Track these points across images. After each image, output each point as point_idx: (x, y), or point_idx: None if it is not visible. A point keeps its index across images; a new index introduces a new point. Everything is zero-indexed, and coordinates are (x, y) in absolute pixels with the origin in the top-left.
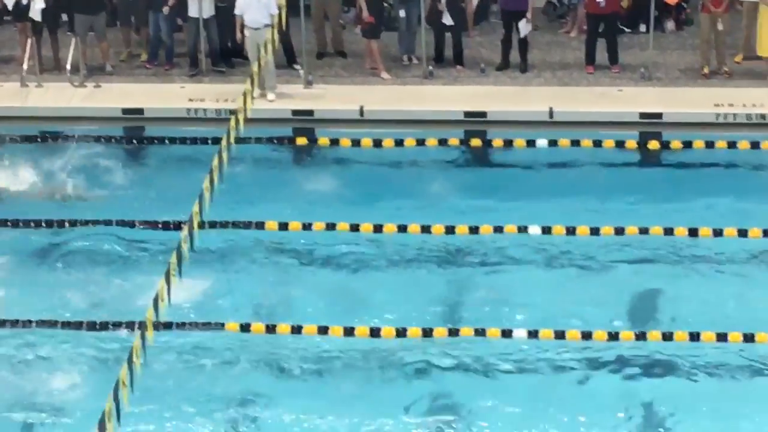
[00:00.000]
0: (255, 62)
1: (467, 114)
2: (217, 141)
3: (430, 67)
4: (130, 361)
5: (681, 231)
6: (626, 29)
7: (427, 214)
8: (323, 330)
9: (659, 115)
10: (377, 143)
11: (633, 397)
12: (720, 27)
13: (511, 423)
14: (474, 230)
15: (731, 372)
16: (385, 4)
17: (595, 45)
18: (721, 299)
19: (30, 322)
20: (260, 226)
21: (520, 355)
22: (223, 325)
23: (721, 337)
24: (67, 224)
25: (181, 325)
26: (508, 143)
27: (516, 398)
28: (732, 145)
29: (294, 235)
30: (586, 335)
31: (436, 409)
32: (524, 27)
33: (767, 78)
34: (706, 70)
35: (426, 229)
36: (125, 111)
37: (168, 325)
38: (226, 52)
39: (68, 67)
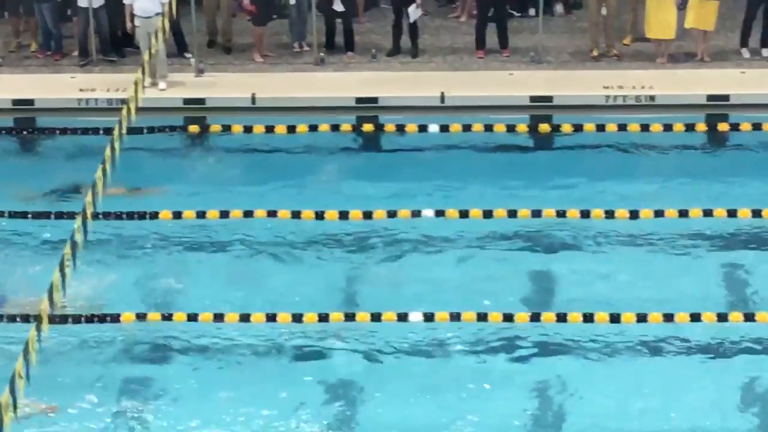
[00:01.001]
0: (146, 51)
1: (359, 100)
2: (109, 131)
3: (322, 54)
4: (26, 353)
5: (573, 213)
6: (515, 13)
7: (321, 200)
8: (219, 317)
9: (550, 98)
10: (269, 130)
11: (528, 377)
12: (604, 11)
13: (407, 406)
14: (368, 215)
15: (625, 352)
16: None
17: (485, 29)
18: (614, 281)
19: None
20: (154, 216)
21: (415, 338)
22: (119, 315)
23: (615, 318)
24: None
25: (77, 317)
26: (400, 129)
27: (411, 382)
28: (622, 127)
29: (188, 224)
30: (482, 317)
31: (333, 394)
32: (414, 12)
33: (655, 59)
34: (595, 53)
35: (320, 216)
36: (15, 102)
37: (64, 318)
38: (116, 42)
39: None
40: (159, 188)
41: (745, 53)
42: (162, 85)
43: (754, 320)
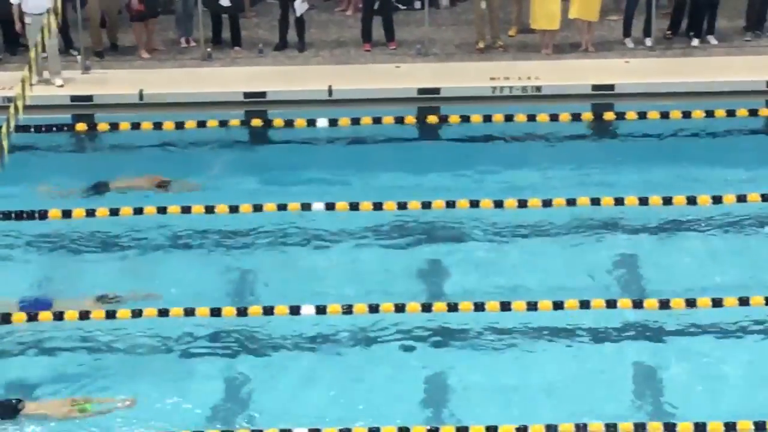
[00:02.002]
0: (33, 48)
1: (247, 95)
2: None
3: (209, 50)
4: None
5: (462, 203)
6: (401, 6)
7: (211, 195)
8: (111, 314)
9: (437, 90)
10: (157, 126)
11: (421, 366)
12: (483, 5)
13: (299, 396)
14: (258, 209)
15: (518, 340)
16: None
17: (371, 22)
18: (504, 269)
19: None
20: (43, 215)
21: (308, 330)
22: (9, 315)
23: (505, 306)
24: None
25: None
26: (289, 123)
27: (301, 373)
28: (509, 118)
29: (77, 223)
30: (374, 308)
31: (224, 387)
32: (300, 6)
33: (541, 50)
34: (481, 45)
35: (210, 210)
36: None
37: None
38: (4, 40)
39: None
40: (193, 183)
41: (629, 43)
42: (58, 81)
43: (642, 307)
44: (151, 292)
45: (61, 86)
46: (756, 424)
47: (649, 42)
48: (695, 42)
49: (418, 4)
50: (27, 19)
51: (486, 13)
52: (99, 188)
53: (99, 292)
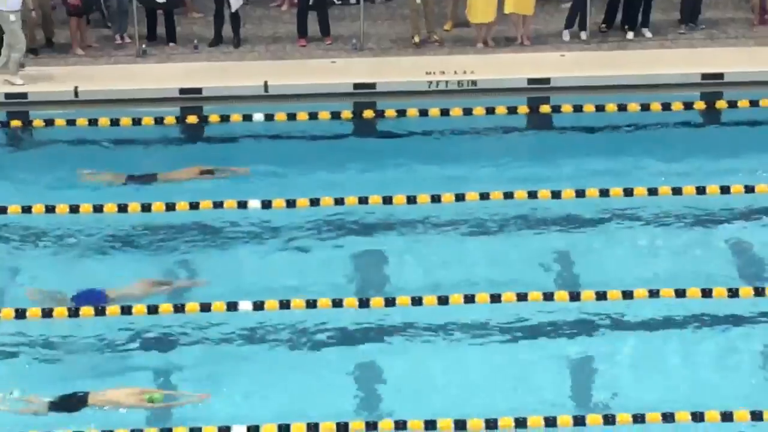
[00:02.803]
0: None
1: (182, 91)
2: None
3: (144, 46)
4: None
5: (400, 199)
6: (336, 1)
7: (144, 192)
8: (47, 313)
9: (373, 85)
10: (93, 123)
11: (353, 360)
12: (418, 0)
13: (240, 395)
14: (194, 206)
15: (437, 334)
16: None
17: (306, 17)
18: (438, 263)
19: None
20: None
21: (251, 326)
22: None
23: (443, 301)
24: None
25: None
26: (225, 118)
27: (244, 367)
28: (445, 112)
29: (13, 219)
30: (311, 303)
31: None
32: (235, 2)
33: (476, 44)
34: (416, 39)
35: (146, 208)
36: None
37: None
38: None
39: None
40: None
41: (565, 36)
42: (18, 80)
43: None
44: (197, 280)
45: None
46: (693, 414)
47: (584, 35)
48: (630, 35)
49: None
50: None
51: (421, 8)
52: (148, 179)
53: (149, 279)
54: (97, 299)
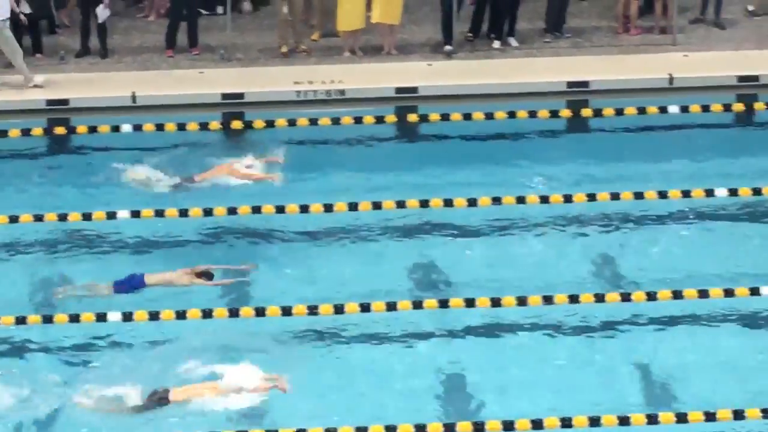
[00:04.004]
0: None
1: (49, 102)
2: None
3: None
4: None
5: (268, 209)
6: (204, 11)
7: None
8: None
9: (241, 95)
10: None
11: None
12: (285, 9)
13: None
14: (62, 218)
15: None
16: None
17: (176, 28)
18: (311, 272)
19: None
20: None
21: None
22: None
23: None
24: None
25: None
26: (92, 129)
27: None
28: (314, 121)
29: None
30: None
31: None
32: (102, 12)
33: (344, 54)
34: (284, 49)
35: (14, 219)
36: None
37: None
38: None
39: None
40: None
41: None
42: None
43: (447, 306)
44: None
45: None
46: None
47: (451, 45)
48: (497, 44)
49: (220, 10)
50: None
51: (289, 18)
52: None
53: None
54: (136, 285)
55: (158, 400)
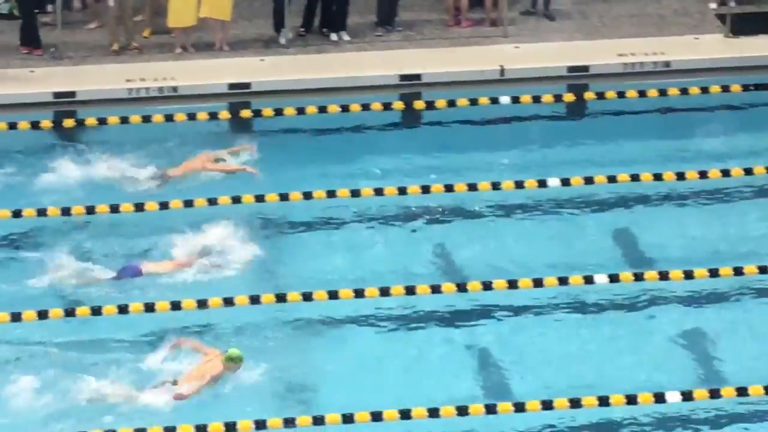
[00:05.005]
0: None
1: None
2: None
3: None
4: None
5: (103, 208)
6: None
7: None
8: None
9: (72, 94)
10: None
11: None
12: (111, 2)
13: None
14: None
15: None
16: None
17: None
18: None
19: None
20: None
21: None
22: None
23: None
24: None
25: None
26: None
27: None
28: (147, 119)
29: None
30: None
31: None
32: None
33: (176, 50)
34: (116, 47)
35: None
36: None
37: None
38: None
39: None
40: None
41: (282, 38)
42: None
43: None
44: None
45: None
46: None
47: (283, 40)
48: (334, 37)
49: (50, 7)
50: None
51: (119, 15)
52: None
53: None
54: (133, 272)
55: None
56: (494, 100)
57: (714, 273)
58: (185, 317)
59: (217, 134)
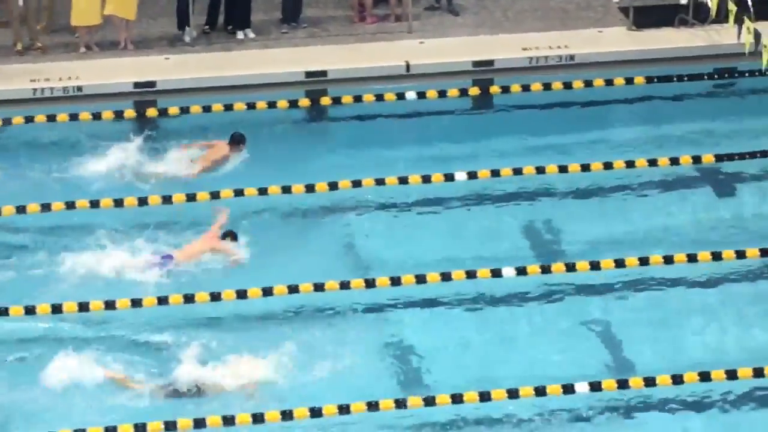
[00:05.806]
0: None
1: None
2: None
3: None
4: None
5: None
6: None
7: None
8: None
9: None
10: None
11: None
12: (21, 2)
13: None
14: None
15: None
16: None
17: None
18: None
19: None
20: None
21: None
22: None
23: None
24: None
25: None
26: None
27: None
28: (52, 118)
29: None
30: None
31: None
32: None
33: (80, 49)
34: (19, 47)
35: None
36: None
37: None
38: None
39: None
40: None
41: (186, 36)
42: None
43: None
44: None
45: None
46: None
47: (188, 38)
48: (240, 35)
49: None
50: None
51: (23, 14)
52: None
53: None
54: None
55: None
56: (400, 96)
57: (620, 263)
58: None
59: (121, 133)
